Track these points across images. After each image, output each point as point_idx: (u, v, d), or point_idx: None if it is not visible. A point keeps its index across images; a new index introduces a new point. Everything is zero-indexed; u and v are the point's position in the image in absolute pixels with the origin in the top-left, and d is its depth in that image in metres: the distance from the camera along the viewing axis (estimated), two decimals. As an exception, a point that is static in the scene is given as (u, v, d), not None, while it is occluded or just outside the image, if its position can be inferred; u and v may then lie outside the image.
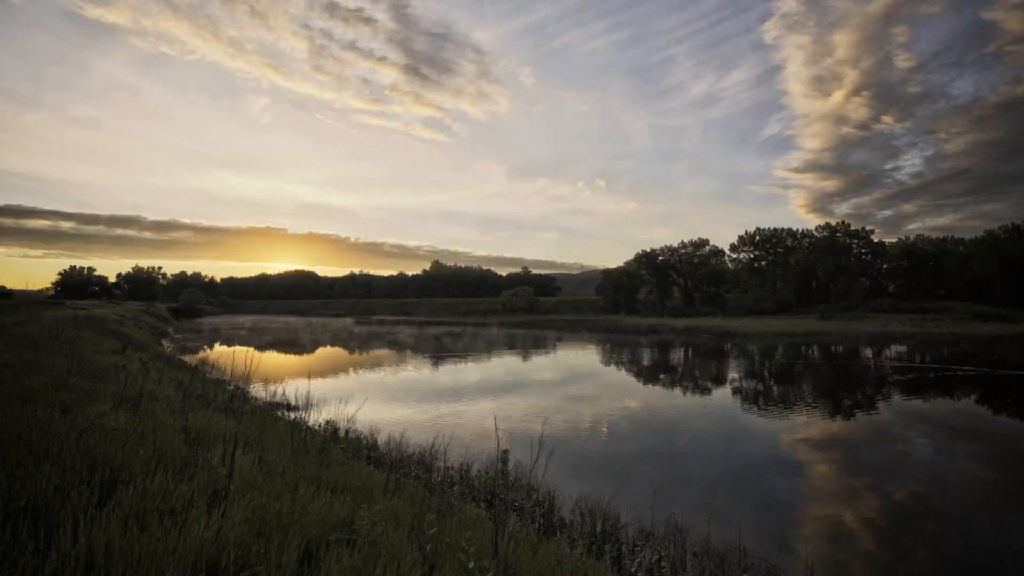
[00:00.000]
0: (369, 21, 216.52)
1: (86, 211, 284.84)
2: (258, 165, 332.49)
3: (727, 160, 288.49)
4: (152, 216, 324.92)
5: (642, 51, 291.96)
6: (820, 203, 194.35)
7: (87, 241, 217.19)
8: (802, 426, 12.98)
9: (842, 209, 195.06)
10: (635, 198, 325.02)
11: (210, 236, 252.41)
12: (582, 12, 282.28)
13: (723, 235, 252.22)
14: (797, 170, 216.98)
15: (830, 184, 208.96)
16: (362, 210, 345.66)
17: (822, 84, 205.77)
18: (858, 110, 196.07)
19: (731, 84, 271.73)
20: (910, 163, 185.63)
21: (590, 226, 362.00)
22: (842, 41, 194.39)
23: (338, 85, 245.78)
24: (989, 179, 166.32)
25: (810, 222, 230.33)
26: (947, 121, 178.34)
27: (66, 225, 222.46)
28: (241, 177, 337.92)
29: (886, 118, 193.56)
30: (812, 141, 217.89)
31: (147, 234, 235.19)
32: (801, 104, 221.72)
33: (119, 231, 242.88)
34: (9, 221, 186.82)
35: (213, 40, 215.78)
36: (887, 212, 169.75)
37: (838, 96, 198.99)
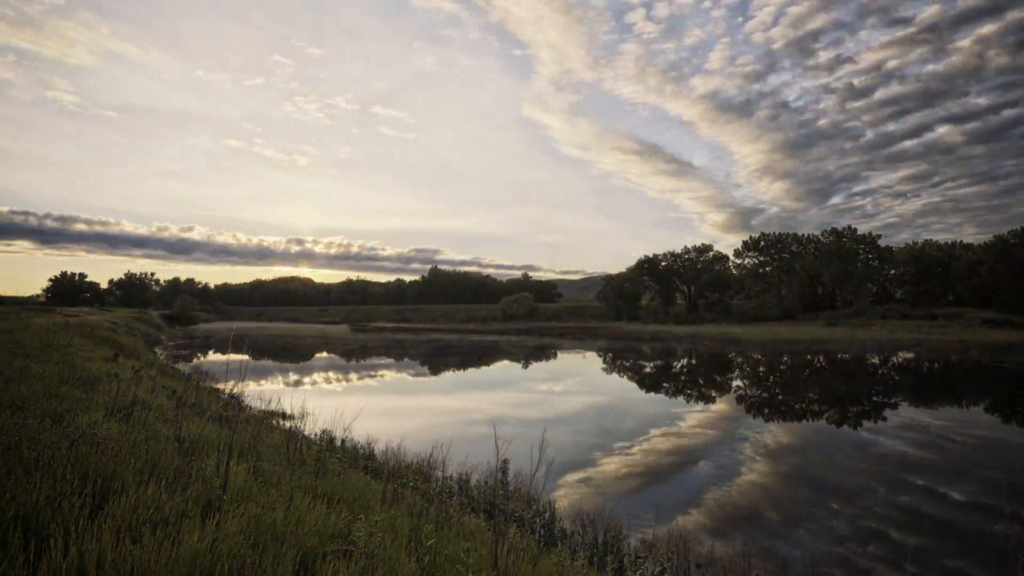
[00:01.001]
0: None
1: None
2: (277, 199, 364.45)
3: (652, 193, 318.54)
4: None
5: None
6: (743, 219, 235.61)
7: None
8: (804, 430, 12.91)
9: (762, 223, 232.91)
10: (602, 217, 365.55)
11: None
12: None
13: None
14: (703, 200, 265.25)
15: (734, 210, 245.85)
16: (361, 228, 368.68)
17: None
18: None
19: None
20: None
21: (574, 241, 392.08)
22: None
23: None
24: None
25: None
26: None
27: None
28: (259, 206, 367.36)
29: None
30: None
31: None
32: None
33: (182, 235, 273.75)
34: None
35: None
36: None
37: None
